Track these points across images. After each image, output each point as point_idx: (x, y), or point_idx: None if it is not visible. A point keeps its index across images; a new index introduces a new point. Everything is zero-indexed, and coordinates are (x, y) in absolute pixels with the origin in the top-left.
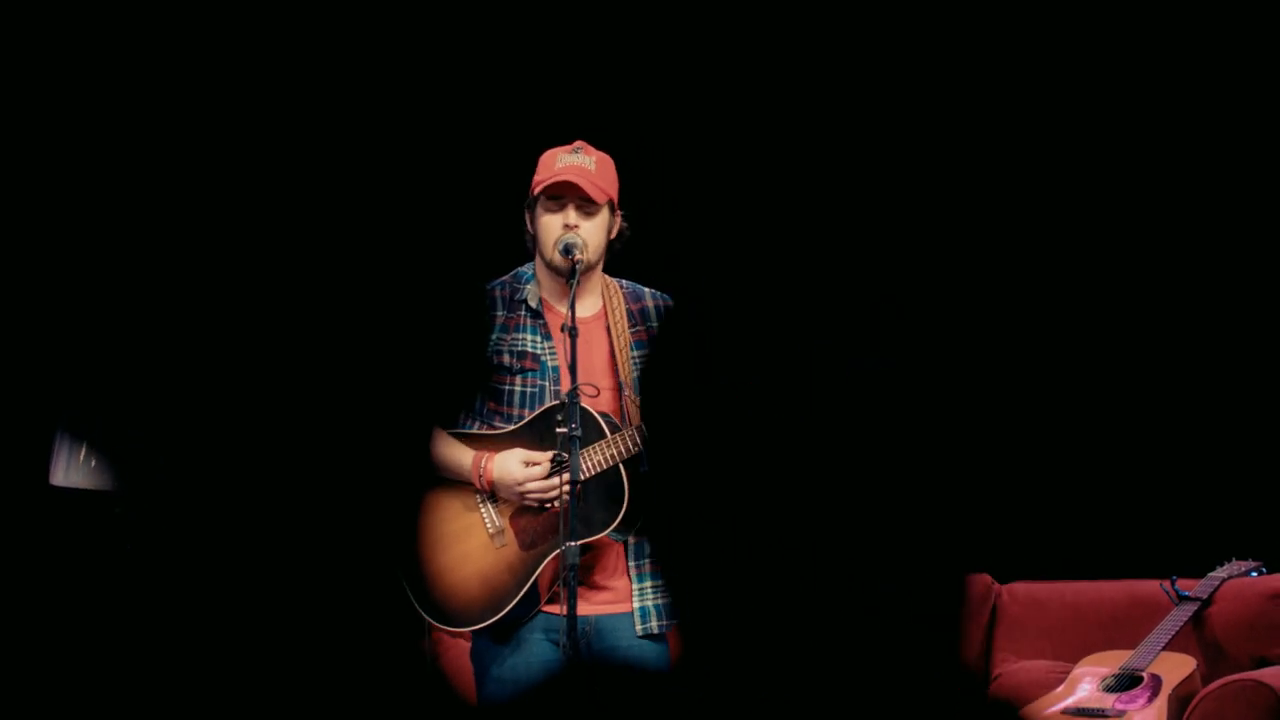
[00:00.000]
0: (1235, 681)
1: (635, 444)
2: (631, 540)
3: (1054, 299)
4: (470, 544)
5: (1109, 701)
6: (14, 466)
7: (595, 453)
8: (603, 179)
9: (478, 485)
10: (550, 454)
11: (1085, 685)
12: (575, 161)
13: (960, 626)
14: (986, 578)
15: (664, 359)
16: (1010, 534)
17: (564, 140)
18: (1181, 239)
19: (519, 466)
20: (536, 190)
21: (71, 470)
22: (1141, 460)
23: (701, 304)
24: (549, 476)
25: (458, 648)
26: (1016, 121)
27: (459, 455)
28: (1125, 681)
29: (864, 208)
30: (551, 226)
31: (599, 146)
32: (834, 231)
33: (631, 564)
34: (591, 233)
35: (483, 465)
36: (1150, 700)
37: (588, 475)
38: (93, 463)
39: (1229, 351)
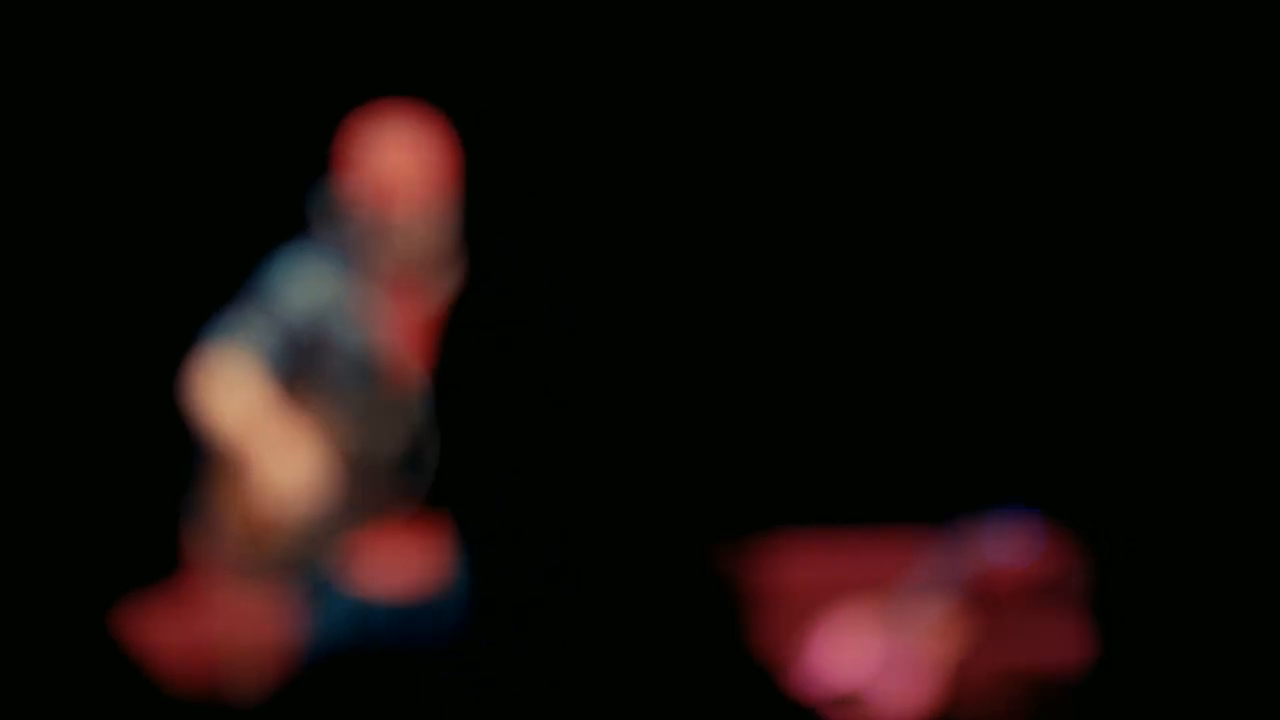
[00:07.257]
0: None
1: (421, 417)
2: (440, 511)
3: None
4: (271, 498)
5: (882, 659)
6: None
7: (389, 424)
8: (435, 170)
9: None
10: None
11: (856, 644)
12: (404, 159)
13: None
14: (751, 542)
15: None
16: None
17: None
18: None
19: (303, 463)
20: (360, 190)
21: None
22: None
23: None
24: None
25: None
26: None
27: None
28: (898, 635)
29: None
30: (378, 229)
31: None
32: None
33: (448, 538)
34: (425, 230)
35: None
36: (923, 660)
37: (376, 449)
38: None
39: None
